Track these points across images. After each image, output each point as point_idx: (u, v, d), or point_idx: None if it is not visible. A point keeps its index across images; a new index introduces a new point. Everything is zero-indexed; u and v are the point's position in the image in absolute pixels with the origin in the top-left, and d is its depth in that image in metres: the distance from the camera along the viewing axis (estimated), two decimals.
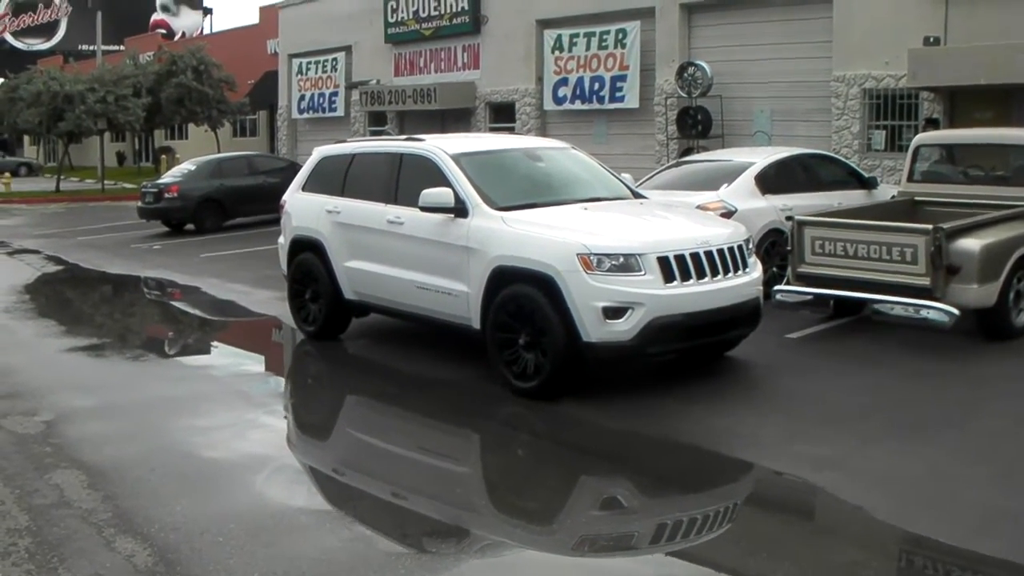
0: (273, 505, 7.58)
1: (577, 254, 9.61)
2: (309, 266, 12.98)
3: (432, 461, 9.09)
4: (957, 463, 8.07)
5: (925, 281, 11.29)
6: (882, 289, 11.63)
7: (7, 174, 47.95)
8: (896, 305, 11.52)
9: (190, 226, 28.09)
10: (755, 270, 10.64)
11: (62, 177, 50.30)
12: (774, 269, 14.00)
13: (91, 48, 60.60)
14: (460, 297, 10.76)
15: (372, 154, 12.81)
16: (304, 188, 13.47)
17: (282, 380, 12.18)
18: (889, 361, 11.22)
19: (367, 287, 12.23)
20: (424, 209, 10.94)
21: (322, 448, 9.69)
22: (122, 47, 64.48)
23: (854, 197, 15.58)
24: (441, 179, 11.12)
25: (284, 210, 13.71)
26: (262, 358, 13.46)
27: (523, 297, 10.02)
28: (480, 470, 9.12)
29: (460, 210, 10.79)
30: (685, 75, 24.96)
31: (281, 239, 13.75)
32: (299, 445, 9.72)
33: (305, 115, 40.36)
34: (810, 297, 12.34)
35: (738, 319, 10.37)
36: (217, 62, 50.23)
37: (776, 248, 14.22)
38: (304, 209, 13.24)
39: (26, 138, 72.73)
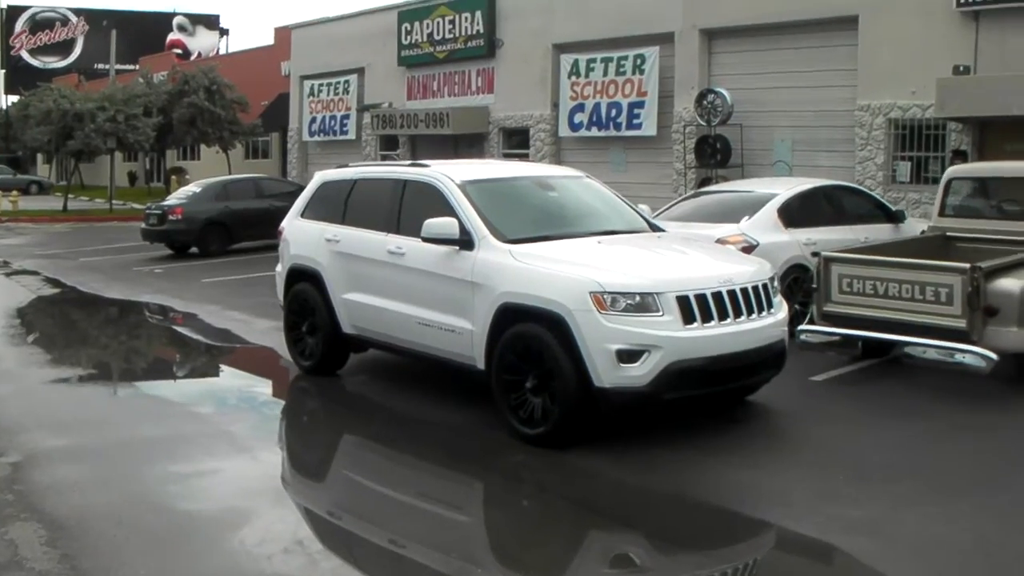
0: (249, 568, 6.85)
1: (590, 292, 8.90)
2: (306, 297, 12.32)
3: (433, 509, 8.40)
4: (1004, 530, 7.31)
5: (961, 323, 10.59)
6: (914, 331, 10.95)
7: (15, 192, 47.42)
8: (929, 348, 10.80)
9: (195, 249, 27.46)
10: (780, 310, 9.92)
11: (72, 196, 49.79)
12: (796, 306, 13.34)
13: (106, 67, 60.30)
14: (464, 335, 10.05)
15: (374, 180, 12.13)
16: (303, 214, 12.83)
17: (272, 420, 11.35)
18: (924, 410, 10.49)
19: (366, 321, 11.54)
20: (427, 240, 10.27)
21: (316, 490, 9.06)
22: (137, 66, 64.17)
23: (881, 231, 14.97)
24: (446, 208, 10.45)
25: (282, 237, 13.06)
26: (253, 395, 12.62)
27: (531, 337, 9.31)
28: (483, 521, 8.45)
29: (465, 242, 10.11)
30: (704, 102, 24.36)
31: (279, 267, 13.11)
32: (293, 487, 9.08)
33: (316, 138, 39.79)
34: (837, 338, 11.62)
35: (762, 363, 9.65)
36: (229, 83, 49.95)
37: (799, 284, 13.54)
38: (302, 237, 12.59)
39: (39, 156, 72.34)
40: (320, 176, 13.17)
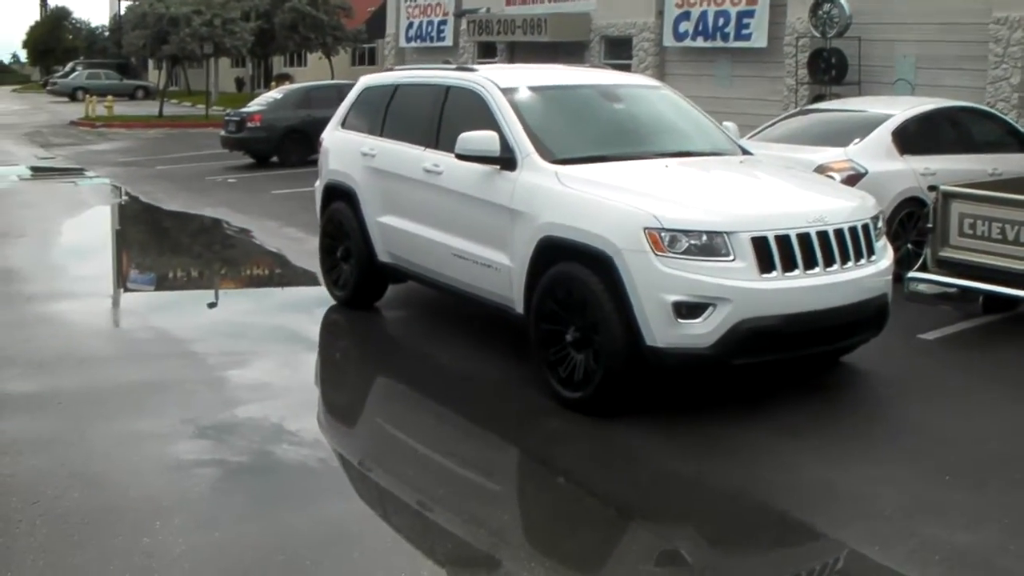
0: None
1: (644, 227, 7.22)
2: (341, 218, 10.89)
3: (463, 472, 7.18)
4: None
5: None
6: None
7: (110, 97, 46.54)
8: None
9: (275, 159, 26.17)
10: (884, 257, 8.12)
11: (176, 102, 49.21)
12: (908, 246, 11.52)
13: None
14: (501, 271, 8.47)
15: (416, 85, 10.55)
16: (343, 124, 11.45)
17: (284, 367, 9.45)
18: None
19: (401, 249, 10.04)
20: (461, 157, 8.64)
21: (349, 438, 7.97)
22: None
23: (1014, 162, 12.98)
24: (489, 120, 8.82)
25: (322, 149, 11.62)
26: (274, 331, 10.70)
27: (574, 280, 7.68)
28: (515, 495, 7.08)
29: (507, 160, 8.47)
30: (820, 12, 22.25)
31: (317, 182, 11.67)
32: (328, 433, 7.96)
33: (413, 44, 38.15)
34: (954, 290, 9.78)
35: (857, 324, 7.88)
36: None
37: (913, 221, 11.70)
38: (340, 150, 11.22)
39: (150, 62, 72.18)
40: (363, 81, 11.71)
